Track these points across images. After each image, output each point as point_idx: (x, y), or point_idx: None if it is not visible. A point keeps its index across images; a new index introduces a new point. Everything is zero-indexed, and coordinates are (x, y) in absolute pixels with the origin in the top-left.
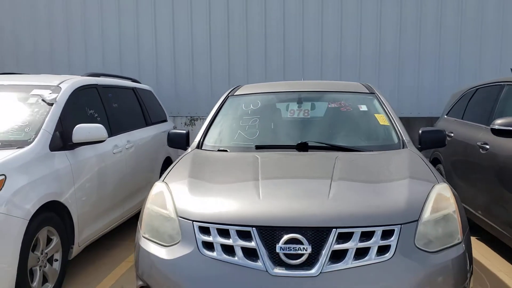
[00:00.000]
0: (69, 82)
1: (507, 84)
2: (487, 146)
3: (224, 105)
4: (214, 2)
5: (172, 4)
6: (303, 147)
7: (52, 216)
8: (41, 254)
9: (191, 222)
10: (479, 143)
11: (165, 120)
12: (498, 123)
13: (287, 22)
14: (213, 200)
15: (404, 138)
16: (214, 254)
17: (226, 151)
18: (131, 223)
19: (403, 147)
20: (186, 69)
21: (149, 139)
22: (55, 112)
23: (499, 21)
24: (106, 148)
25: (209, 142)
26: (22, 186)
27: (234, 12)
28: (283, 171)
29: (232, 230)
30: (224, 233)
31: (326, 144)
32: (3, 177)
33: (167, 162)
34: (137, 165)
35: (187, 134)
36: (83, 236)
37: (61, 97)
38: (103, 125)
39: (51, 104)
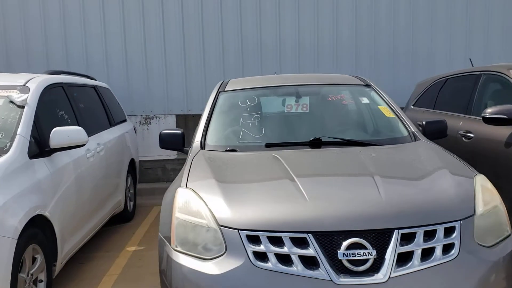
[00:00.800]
0: (36, 81)
1: (484, 73)
2: (471, 135)
3: (217, 102)
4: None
5: None
6: (316, 143)
7: (36, 232)
8: (27, 276)
9: (237, 231)
10: (461, 132)
11: (125, 120)
12: (489, 111)
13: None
14: (255, 205)
15: (413, 130)
16: (269, 265)
17: (235, 150)
18: (100, 232)
19: (415, 139)
20: (139, 65)
21: (115, 141)
22: (28, 115)
23: (449, 12)
24: (80, 153)
25: (211, 142)
26: (6, 201)
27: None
28: (314, 169)
29: (286, 237)
30: (276, 241)
31: (341, 139)
32: None
33: (132, 165)
34: (108, 170)
35: (183, 134)
36: (65, 251)
37: (32, 98)
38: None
39: (22, 107)
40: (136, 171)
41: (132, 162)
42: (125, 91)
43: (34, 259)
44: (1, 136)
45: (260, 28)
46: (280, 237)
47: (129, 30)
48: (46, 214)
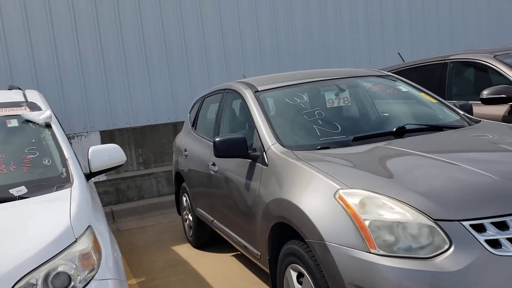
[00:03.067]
0: (34, 94)
1: (451, 61)
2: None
3: (261, 103)
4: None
5: None
6: (400, 133)
7: None
8: None
9: (458, 222)
10: None
11: None
12: (486, 93)
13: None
14: (454, 192)
15: (461, 112)
16: (507, 251)
17: (327, 148)
18: None
19: (469, 121)
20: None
21: None
22: (62, 134)
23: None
24: None
25: (288, 142)
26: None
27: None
28: (457, 152)
29: (509, 220)
30: (500, 226)
31: (425, 125)
32: (90, 231)
33: None
34: None
35: (245, 138)
36: None
37: (52, 115)
38: None
39: (47, 126)
40: None
41: None
42: None
43: None
44: (48, 162)
45: (183, 31)
46: (504, 221)
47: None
48: None
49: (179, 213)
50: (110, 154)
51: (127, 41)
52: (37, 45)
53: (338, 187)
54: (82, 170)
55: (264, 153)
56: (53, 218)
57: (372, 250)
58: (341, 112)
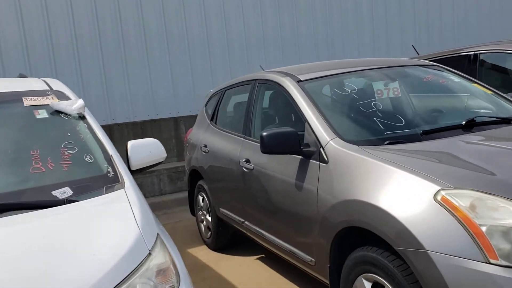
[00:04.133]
0: (57, 83)
1: (481, 53)
2: None
3: (308, 94)
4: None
5: None
6: (468, 126)
7: None
8: None
9: None
10: None
11: None
12: None
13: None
14: None
15: None
16: None
17: (397, 143)
18: None
19: None
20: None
21: None
22: (98, 127)
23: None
24: None
25: (350, 136)
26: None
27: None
28: None
29: None
30: None
31: (497, 118)
32: (160, 241)
33: None
34: None
35: (297, 132)
36: None
37: (85, 106)
38: None
39: (83, 117)
40: None
41: None
42: None
43: None
44: (90, 159)
45: (185, 22)
46: None
47: None
48: None
49: (193, 213)
50: (150, 149)
51: (127, 31)
52: (30, 30)
53: (439, 187)
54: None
55: (321, 149)
56: (118, 226)
57: (492, 261)
58: (396, 104)
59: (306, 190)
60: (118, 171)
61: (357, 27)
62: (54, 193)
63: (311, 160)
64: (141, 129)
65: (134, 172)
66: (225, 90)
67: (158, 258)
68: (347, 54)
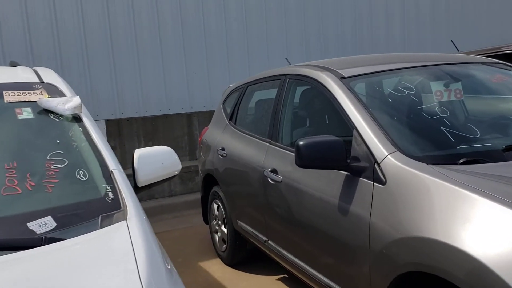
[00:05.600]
0: (50, 73)
1: None
2: None
3: (356, 95)
4: None
5: None
6: None
7: None
8: None
9: None
10: None
11: None
12: None
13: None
14: None
15: None
16: None
17: (477, 162)
18: None
19: None
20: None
21: None
22: (97, 133)
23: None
24: None
25: (413, 150)
26: None
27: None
28: None
29: None
30: None
31: None
32: None
33: None
34: None
35: (343, 142)
36: None
37: (82, 105)
38: None
39: (78, 119)
40: None
41: None
42: None
43: None
44: (84, 176)
45: (203, 15)
46: None
47: None
48: None
49: (206, 222)
50: (162, 160)
51: (139, 20)
52: (34, 20)
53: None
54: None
55: (376, 165)
56: (113, 284)
57: None
58: (462, 110)
59: (353, 215)
60: (120, 193)
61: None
62: (31, 225)
63: (361, 178)
64: (151, 125)
65: (141, 189)
66: (247, 86)
67: None
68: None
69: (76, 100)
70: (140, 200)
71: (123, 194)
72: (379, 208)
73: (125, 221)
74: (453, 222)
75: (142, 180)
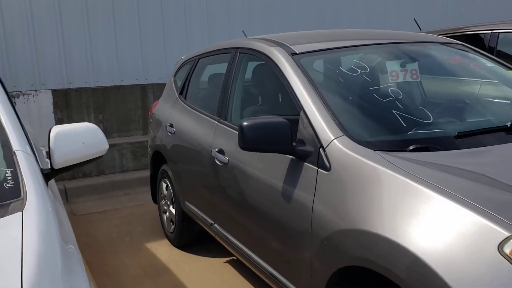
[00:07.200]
0: None
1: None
2: None
3: (306, 73)
4: None
5: None
6: None
7: None
8: None
9: None
10: None
11: None
12: None
13: None
14: None
15: None
16: None
17: (426, 150)
18: None
19: None
20: None
21: None
22: (4, 101)
23: None
24: None
25: (360, 135)
26: None
27: None
28: None
29: None
30: None
31: None
32: None
33: None
34: None
35: (289, 124)
36: None
37: None
38: None
39: None
40: None
41: None
42: None
43: None
44: None
45: None
46: None
47: None
48: None
49: (155, 201)
50: (84, 139)
51: None
52: None
53: (508, 234)
54: (39, 166)
55: (321, 149)
56: None
57: None
58: (417, 92)
59: (297, 201)
60: (22, 179)
61: None
62: None
63: (306, 163)
64: (102, 96)
65: (58, 171)
66: (199, 59)
67: None
68: (338, 24)
69: None
70: (87, 175)
71: (25, 180)
72: (323, 195)
73: (20, 212)
74: (402, 218)
75: (58, 162)
